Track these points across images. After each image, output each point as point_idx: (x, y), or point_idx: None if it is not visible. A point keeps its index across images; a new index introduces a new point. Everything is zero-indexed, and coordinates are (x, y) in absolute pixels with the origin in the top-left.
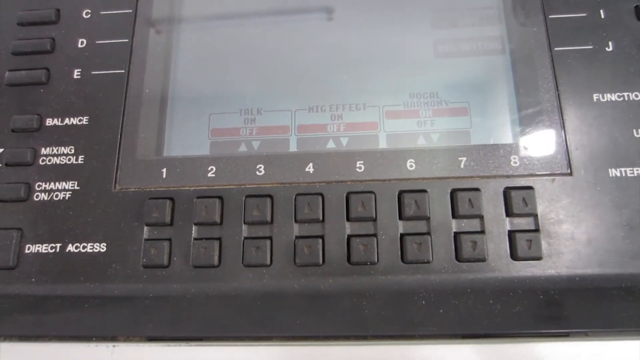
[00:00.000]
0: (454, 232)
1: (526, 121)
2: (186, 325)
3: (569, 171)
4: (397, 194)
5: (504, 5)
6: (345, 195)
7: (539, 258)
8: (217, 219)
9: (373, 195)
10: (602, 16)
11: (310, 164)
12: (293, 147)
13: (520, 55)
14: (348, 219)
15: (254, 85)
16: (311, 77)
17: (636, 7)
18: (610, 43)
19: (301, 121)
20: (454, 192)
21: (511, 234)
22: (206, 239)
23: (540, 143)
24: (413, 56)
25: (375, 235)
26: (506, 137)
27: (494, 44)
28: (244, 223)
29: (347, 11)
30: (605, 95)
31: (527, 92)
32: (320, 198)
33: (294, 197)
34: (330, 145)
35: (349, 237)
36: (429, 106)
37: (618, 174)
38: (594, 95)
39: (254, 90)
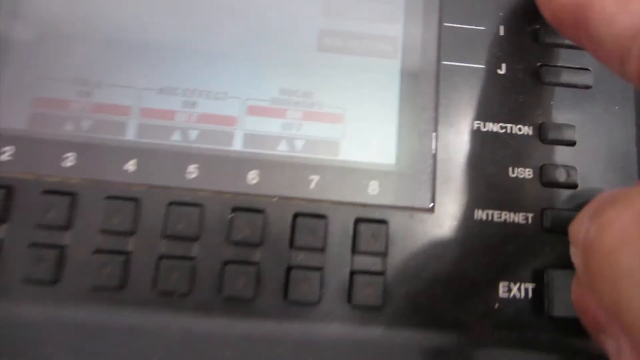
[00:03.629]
0: (288, 266)
1: (398, 142)
2: None
3: (431, 207)
4: (229, 211)
5: (406, 2)
6: (166, 204)
7: (377, 307)
8: None
9: (198, 210)
10: (502, 33)
11: (133, 161)
12: (130, 135)
13: (410, 63)
14: (163, 235)
15: (99, 50)
16: (169, 52)
17: (534, 29)
18: (503, 65)
19: (147, 103)
20: (296, 217)
21: (353, 274)
22: None
23: (405, 169)
24: (293, 45)
25: (193, 259)
26: (373, 157)
27: (386, 46)
28: (34, 226)
29: None
30: (487, 124)
31: (408, 107)
32: (134, 204)
33: (103, 199)
34: (175, 138)
35: (161, 257)
36: (299, 106)
37: (484, 217)
38: (475, 122)
39: (97, 57)
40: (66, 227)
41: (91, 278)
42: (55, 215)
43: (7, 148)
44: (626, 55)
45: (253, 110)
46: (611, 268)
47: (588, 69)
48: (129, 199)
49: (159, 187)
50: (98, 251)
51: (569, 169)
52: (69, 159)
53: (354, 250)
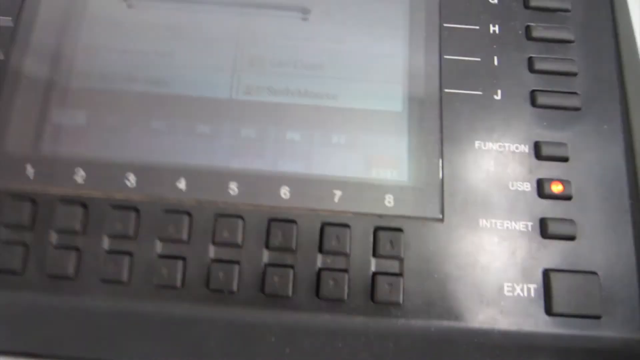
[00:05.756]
0: (318, 268)
1: (408, 160)
2: (26, 340)
3: (440, 217)
4: (267, 221)
5: (410, 35)
6: (214, 217)
7: (397, 303)
8: (79, 228)
9: (241, 221)
10: (496, 63)
11: (182, 179)
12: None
13: (414, 92)
14: (213, 243)
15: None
16: None
17: (529, 58)
18: (498, 91)
19: None
20: (323, 226)
21: (374, 275)
22: (65, 247)
23: (417, 184)
24: None
25: (238, 262)
26: (385, 173)
27: (393, 74)
28: (106, 235)
29: None
30: (486, 143)
31: (416, 130)
32: (187, 218)
33: (161, 213)
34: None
35: (211, 261)
36: None
37: (488, 225)
38: (476, 142)
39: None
40: (134, 236)
41: (156, 279)
42: (123, 227)
43: (77, 169)
44: None
45: None
46: None
47: (577, 93)
48: (183, 213)
49: (207, 201)
50: (160, 256)
51: (564, 182)
52: (130, 180)
53: (375, 254)
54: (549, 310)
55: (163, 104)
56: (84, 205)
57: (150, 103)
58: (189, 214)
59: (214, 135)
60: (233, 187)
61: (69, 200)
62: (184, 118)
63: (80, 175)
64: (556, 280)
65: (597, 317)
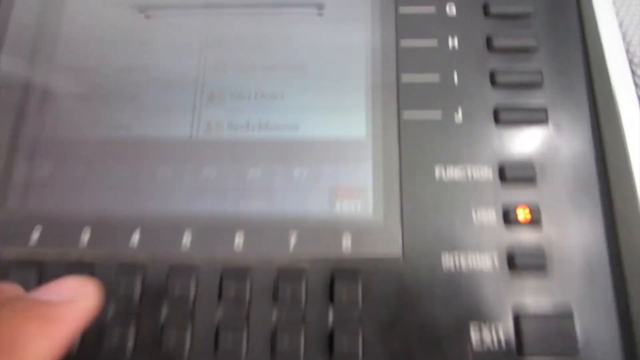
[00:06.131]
0: (273, 322)
1: (373, 190)
2: None
3: (400, 255)
4: (219, 275)
5: (370, 56)
6: (167, 271)
7: (357, 357)
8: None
9: (195, 274)
10: (456, 82)
11: (137, 232)
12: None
13: (375, 117)
14: (166, 300)
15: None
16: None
17: (492, 71)
18: (459, 111)
19: None
20: (278, 276)
21: (332, 327)
22: None
23: (377, 219)
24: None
25: (191, 320)
26: (350, 206)
27: (355, 99)
28: None
29: None
30: (447, 169)
31: (377, 160)
32: (140, 274)
33: (114, 271)
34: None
35: (164, 322)
36: None
37: (451, 261)
38: (436, 170)
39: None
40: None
41: (106, 345)
42: None
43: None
44: None
45: None
46: None
47: (544, 106)
48: (136, 266)
49: (162, 254)
50: (112, 319)
51: (531, 206)
52: (85, 236)
53: (332, 301)
54: (520, 351)
55: (124, 149)
56: (39, 267)
57: (112, 150)
58: (142, 270)
59: (174, 179)
60: (187, 237)
61: (22, 262)
62: (145, 163)
63: (36, 234)
64: (527, 323)
65: (574, 355)
